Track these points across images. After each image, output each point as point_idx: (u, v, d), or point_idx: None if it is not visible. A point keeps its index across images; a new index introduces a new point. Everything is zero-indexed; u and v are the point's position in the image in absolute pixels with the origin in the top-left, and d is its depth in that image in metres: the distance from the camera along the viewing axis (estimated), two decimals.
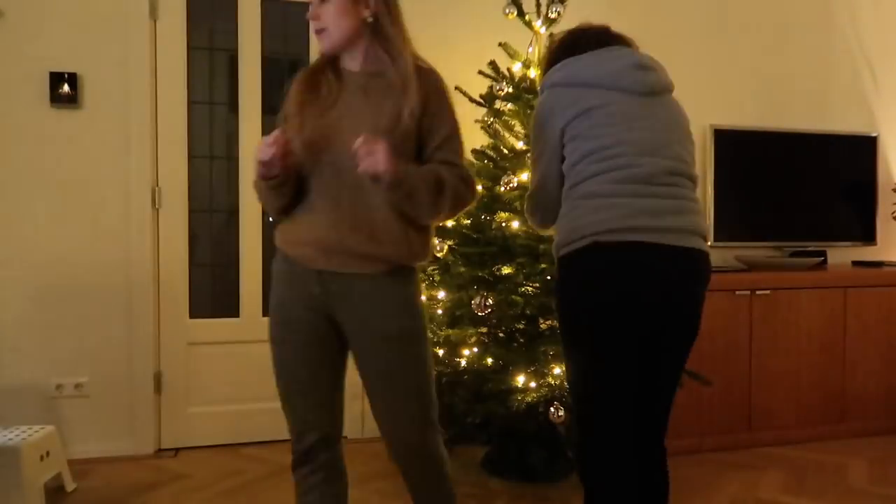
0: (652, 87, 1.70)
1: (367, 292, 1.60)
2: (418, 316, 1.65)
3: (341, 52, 1.65)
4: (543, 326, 2.65)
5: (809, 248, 3.68)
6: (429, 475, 1.74)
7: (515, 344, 2.64)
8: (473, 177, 1.66)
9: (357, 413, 3.30)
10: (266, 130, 3.27)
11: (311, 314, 1.63)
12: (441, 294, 2.66)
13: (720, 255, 3.64)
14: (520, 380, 2.41)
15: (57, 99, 2.94)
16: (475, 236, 2.61)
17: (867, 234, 3.81)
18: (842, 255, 3.83)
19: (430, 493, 1.77)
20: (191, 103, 3.17)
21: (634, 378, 1.64)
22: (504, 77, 2.73)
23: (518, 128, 2.78)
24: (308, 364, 1.65)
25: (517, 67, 2.77)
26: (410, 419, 1.66)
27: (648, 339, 1.64)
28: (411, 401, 1.65)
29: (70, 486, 2.68)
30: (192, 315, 3.19)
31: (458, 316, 2.55)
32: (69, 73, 2.94)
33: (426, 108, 1.58)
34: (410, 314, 1.64)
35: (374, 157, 1.43)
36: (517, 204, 2.59)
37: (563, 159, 1.69)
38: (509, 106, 2.76)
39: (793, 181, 3.67)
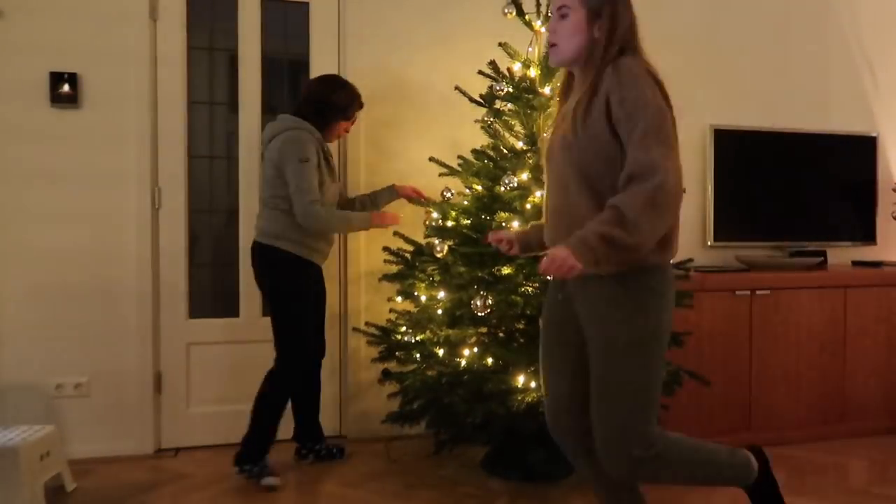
0: (264, 140, 2.80)
1: (595, 293, 1.66)
2: (640, 320, 1.63)
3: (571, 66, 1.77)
4: None
5: (809, 248, 3.68)
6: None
7: (515, 344, 2.64)
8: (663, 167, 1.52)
9: (357, 413, 3.30)
10: None
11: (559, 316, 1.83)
12: (441, 294, 2.66)
13: (720, 255, 3.64)
14: (520, 380, 2.41)
15: (57, 99, 2.94)
16: (475, 236, 2.61)
17: (867, 234, 3.81)
18: (842, 255, 3.83)
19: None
20: (191, 103, 3.17)
21: None
22: (504, 77, 2.73)
23: (518, 128, 2.78)
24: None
25: (517, 67, 2.77)
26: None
27: None
28: (616, 408, 1.67)
29: (70, 486, 2.68)
30: (192, 315, 3.19)
31: (458, 316, 2.55)
32: (69, 73, 2.95)
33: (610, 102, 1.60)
34: (629, 318, 1.63)
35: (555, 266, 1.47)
36: (517, 204, 2.59)
37: None
38: (509, 106, 2.76)
39: (793, 181, 3.67)
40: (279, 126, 2.73)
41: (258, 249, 2.75)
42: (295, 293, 2.72)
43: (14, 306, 2.95)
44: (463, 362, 2.54)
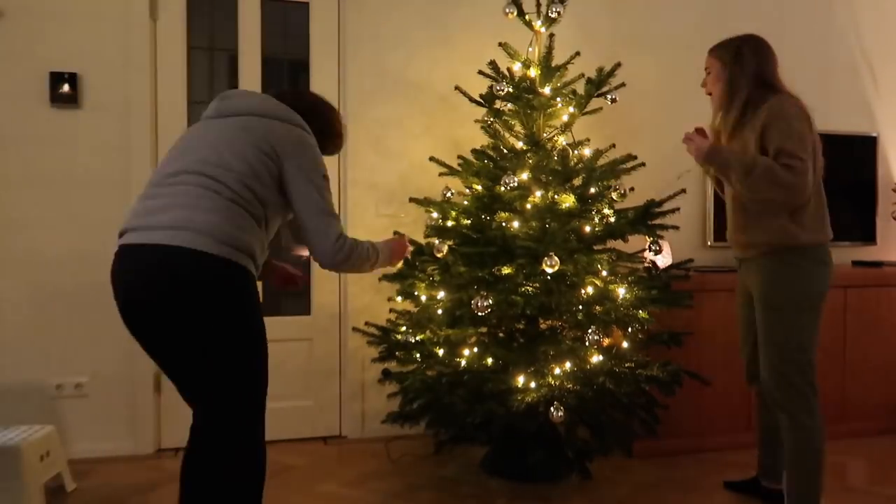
0: (218, 111, 1.90)
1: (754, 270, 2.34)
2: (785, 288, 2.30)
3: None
4: (543, 326, 2.65)
5: None
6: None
7: (515, 344, 2.64)
8: (801, 169, 2.23)
9: (357, 413, 3.30)
10: None
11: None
12: (441, 294, 2.66)
13: (720, 255, 3.64)
14: (520, 380, 2.41)
15: (57, 99, 2.94)
16: (475, 236, 2.61)
17: (867, 234, 3.81)
18: (842, 255, 3.83)
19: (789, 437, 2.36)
20: (191, 103, 3.17)
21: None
22: (504, 77, 2.73)
23: (518, 128, 2.78)
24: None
25: (517, 67, 2.77)
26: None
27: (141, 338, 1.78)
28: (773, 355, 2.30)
29: (70, 486, 2.68)
30: None
31: (458, 316, 2.55)
32: (69, 73, 2.95)
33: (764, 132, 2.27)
34: (776, 287, 2.30)
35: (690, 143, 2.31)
36: (517, 204, 2.59)
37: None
38: (509, 106, 2.76)
39: None
40: (282, 112, 1.87)
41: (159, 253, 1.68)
42: (256, 313, 1.78)
43: (15, 307, 2.95)
44: (463, 362, 2.54)
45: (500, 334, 2.70)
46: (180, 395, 1.80)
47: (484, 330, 2.65)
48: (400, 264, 2.52)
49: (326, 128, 2.01)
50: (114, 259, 1.72)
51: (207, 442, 1.72)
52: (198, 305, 1.65)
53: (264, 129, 1.78)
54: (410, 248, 2.39)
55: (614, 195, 2.64)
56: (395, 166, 3.32)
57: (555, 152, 2.65)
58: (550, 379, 2.40)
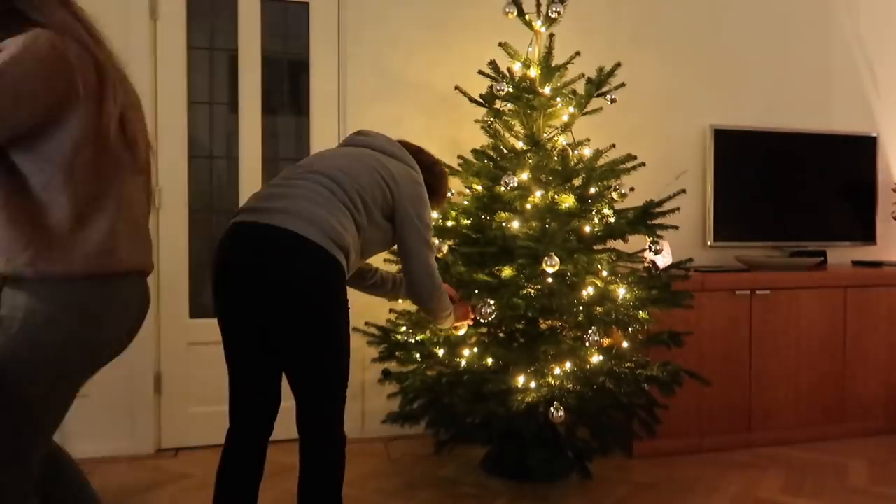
0: (352, 142, 2.12)
1: None
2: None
3: None
4: (543, 326, 2.65)
5: (809, 248, 3.68)
6: None
7: (515, 344, 2.64)
8: None
9: (357, 413, 3.30)
10: (266, 130, 3.27)
11: None
12: None
13: (720, 255, 3.64)
14: (520, 380, 2.41)
15: None
16: (475, 236, 2.61)
17: (867, 234, 3.81)
18: (842, 255, 3.83)
19: None
20: (191, 103, 3.17)
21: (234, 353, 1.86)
22: (504, 77, 2.73)
23: (518, 128, 2.78)
24: None
25: (517, 67, 2.77)
26: None
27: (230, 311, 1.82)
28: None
29: None
30: (192, 315, 3.19)
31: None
32: None
33: None
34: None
35: None
36: (517, 204, 2.59)
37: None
38: (509, 106, 2.76)
39: (793, 181, 3.67)
40: (404, 155, 2.09)
41: (319, 254, 1.73)
42: (347, 307, 1.85)
43: None
44: (463, 362, 2.54)
45: (501, 334, 2.71)
46: (243, 395, 1.92)
47: (484, 330, 2.65)
48: (465, 329, 2.51)
49: (436, 186, 2.23)
50: (224, 234, 1.81)
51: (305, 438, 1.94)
52: (296, 283, 1.71)
53: (387, 163, 2.00)
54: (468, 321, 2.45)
55: (614, 195, 2.63)
56: None
57: (555, 152, 2.65)
58: (550, 379, 2.40)
